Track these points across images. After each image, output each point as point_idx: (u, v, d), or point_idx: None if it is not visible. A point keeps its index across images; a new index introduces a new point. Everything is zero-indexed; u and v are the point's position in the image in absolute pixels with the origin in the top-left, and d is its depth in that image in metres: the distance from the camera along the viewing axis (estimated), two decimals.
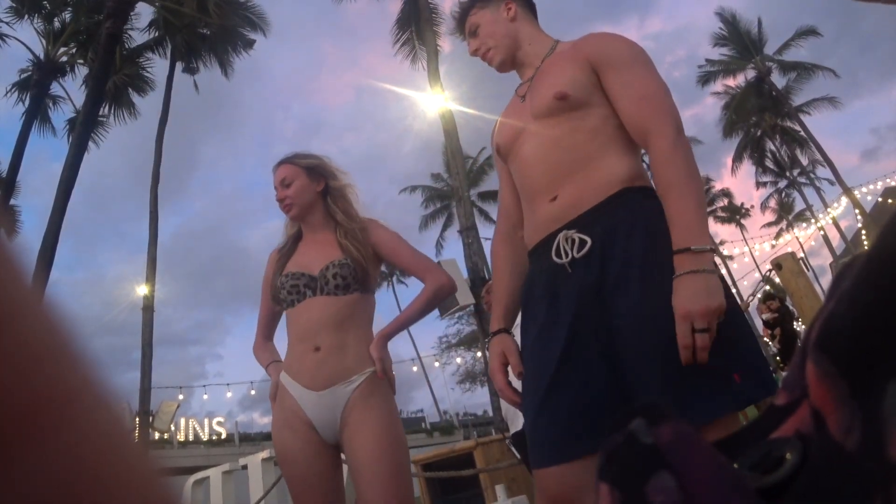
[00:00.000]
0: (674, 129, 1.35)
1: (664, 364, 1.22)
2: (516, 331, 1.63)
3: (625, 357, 1.27)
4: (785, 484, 0.25)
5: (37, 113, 15.71)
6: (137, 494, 0.16)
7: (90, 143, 14.73)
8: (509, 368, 1.55)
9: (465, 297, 8.85)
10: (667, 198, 1.31)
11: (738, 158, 31.56)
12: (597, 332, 1.31)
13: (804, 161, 30.88)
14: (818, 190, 31.47)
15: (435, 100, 12.68)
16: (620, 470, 0.26)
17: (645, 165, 1.50)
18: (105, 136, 16.86)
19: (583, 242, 1.35)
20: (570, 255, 1.36)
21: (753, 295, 5.60)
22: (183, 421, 20.73)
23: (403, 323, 1.97)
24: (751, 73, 28.75)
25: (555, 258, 1.39)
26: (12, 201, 17.81)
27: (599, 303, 1.31)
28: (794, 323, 7.04)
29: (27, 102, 15.67)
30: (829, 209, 25.80)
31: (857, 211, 22.44)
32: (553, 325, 1.38)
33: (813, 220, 27.24)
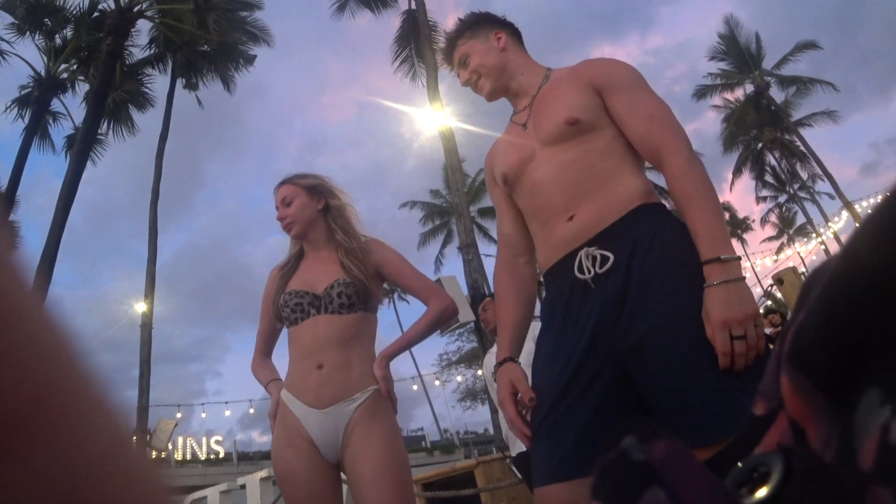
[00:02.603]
0: (685, 145, 1.39)
1: (699, 375, 1.23)
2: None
3: (645, 373, 1.28)
4: (773, 499, 0.25)
5: (37, 129, 15.76)
6: (136, 496, 0.16)
7: (89, 161, 14.76)
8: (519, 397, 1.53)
9: (465, 314, 8.83)
10: (688, 212, 1.33)
11: (737, 172, 31.66)
12: (611, 351, 1.32)
13: (804, 175, 30.97)
14: (818, 204, 31.54)
15: (435, 116, 12.72)
16: (613, 487, 0.26)
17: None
18: (104, 154, 16.89)
19: (605, 259, 1.36)
20: (592, 272, 1.37)
21: None
22: (181, 439, 20.63)
23: (406, 343, 1.96)
24: (749, 88, 28.91)
25: (577, 274, 1.40)
26: (12, 216, 17.82)
27: (619, 319, 1.32)
28: None
29: (27, 118, 15.73)
30: (830, 223, 25.84)
31: (857, 225, 22.43)
32: (566, 345, 1.39)
33: (814, 235, 27.27)
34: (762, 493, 0.25)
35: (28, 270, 0.16)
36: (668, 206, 1.50)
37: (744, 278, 1.26)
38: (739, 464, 0.27)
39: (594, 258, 1.38)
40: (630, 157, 1.47)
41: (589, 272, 1.38)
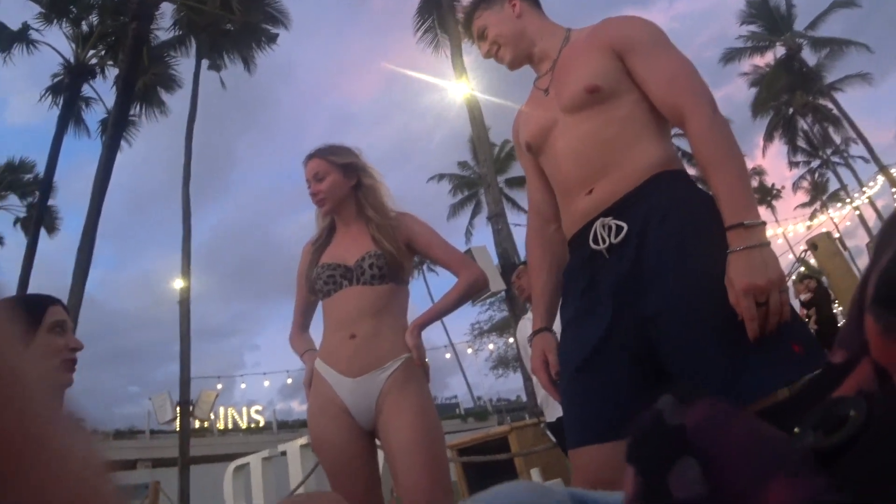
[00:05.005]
0: (709, 106, 1.34)
1: (719, 340, 1.22)
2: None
3: (666, 341, 1.28)
4: (850, 442, 0.24)
5: (70, 115, 16.07)
6: None
7: (124, 143, 15.05)
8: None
9: (496, 283, 8.87)
10: (711, 175, 1.30)
11: (768, 138, 30.93)
12: (632, 318, 1.32)
13: (837, 140, 30.15)
14: (852, 169, 30.71)
15: (460, 87, 12.66)
16: (646, 454, 0.25)
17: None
18: (137, 136, 17.20)
19: (619, 228, 1.36)
20: (607, 242, 1.37)
21: (788, 276, 5.53)
22: (222, 410, 21.31)
23: (437, 313, 2.00)
24: (780, 51, 28.08)
25: (592, 244, 1.40)
26: (51, 201, 18.29)
27: (636, 289, 1.32)
28: (832, 305, 6.91)
29: (60, 105, 16.03)
30: (864, 188, 25.14)
31: (893, 190, 21.85)
32: (590, 312, 1.40)
33: (848, 200, 26.59)
34: (839, 436, 0.24)
35: (4, 289, 0.17)
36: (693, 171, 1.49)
37: (768, 244, 1.23)
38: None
39: (609, 228, 1.38)
40: (653, 123, 1.44)
41: (604, 241, 1.38)
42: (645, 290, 1.31)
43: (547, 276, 1.63)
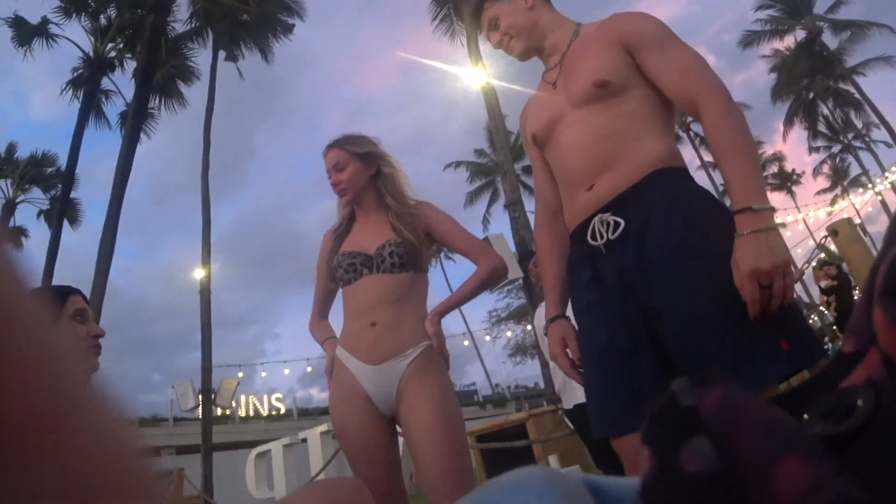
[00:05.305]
0: (723, 96, 1.37)
1: (721, 337, 1.25)
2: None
3: (670, 335, 1.31)
4: (859, 431, 0.24)
5: (90, 108, 16.24)
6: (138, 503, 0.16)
7: (143, 136, 15.22)
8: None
9: (513, 271, 8.88)
10: (723, 162, 1.33)
11: (788, 123, 30.46)
12: (641, 314, 1.35)
13: (858, 124, 29.62)
14: (874, 153, 30.16)
15: (476, 75, 12.62)
16: (659, 433, 0.26)
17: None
18: (157, 128, 17.36)
19: (617, 224, 1.39)
20: (605, 237, 1.40)
21: (808, 263, 5.49)
22: (243, 398, 21.63)
23: (456, 301, 2.01)
24: (800, 35, 27.59)
25: (590, 240, 1.43)
26: (73, 194, 18.57)
27: (642, 284, 1.34)
28: (853, 292, 6.84)
29: (80, 99, 16.23)
30: (886, 173, 24.71)
31: None
32: (600, 303, 1.43)
33: (869, 185, 26.14)
34: (848, 424, 0.24)
35: (31, 277, 0.16)
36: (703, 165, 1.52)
37: (776, 228, 1.25)
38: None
39: (607, 224, 1.40)
40: (659, 119, 1.46)
41: (602, 237, 1.41)
42: (648, 284, 1.34)
43: (558, 265, 1.65)
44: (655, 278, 1.32)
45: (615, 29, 1.52)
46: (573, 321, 1.59)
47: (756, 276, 1.21)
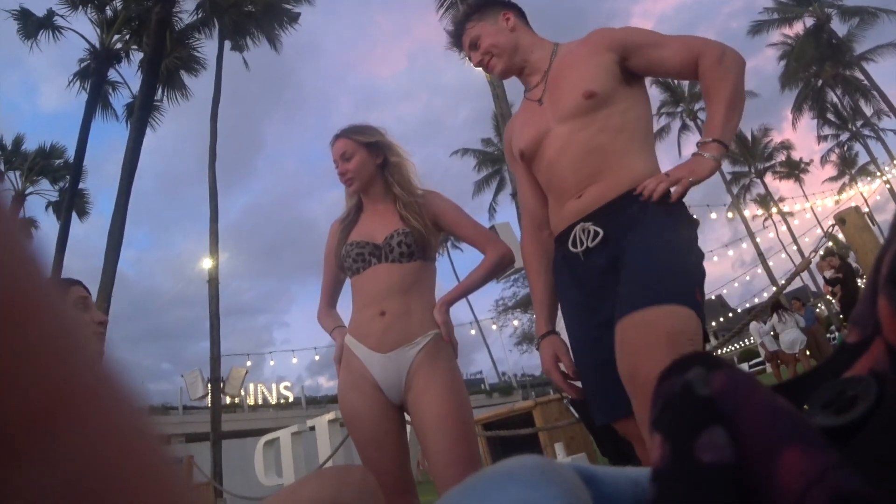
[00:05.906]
0: (719, 47, 1.50)
1: (636, 273, 1.39)
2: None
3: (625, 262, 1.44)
4: (860, 423, 0.24)
5: (97, 100, 16.25)
6: (154, 496, 0.16)
7: (152, 127, 15.25)
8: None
9: (520, 260, 8.87)
10: (707, 104, 1.49)
11: (797, 111, 30.23)
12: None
13: (867, 111, 29.35)
14: (883, 141, 29.91)
15: None
16: (673, 421, 0.26)
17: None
18: (163, 120, 17.36)
19: (596, 233, 1.49)
20: (584, 245, 1.50)
21: (816, 251, 5.47)
22: (252, 386, 21.79)
23: (464, 290, 2.02)
24: (809, 22, 27.32)
25: (570, 247, 1.52)
26: (81, 185, 18.66)
27: (614, 280, 1.44)
28: (858, 280, 6.82)
29: (87, 90, 16.26)
30: (895, 161, 24.53)
31: None
32: (585, 305, 1.52)
33: (878, 174, 25.96)
34: (851, 415, 0.24)
35: (44, 259, 0.15)
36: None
37: (716, 159, 1.43)
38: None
39: (588, 232, 1.50)
40: (639, 135, 1.55)
41: (581, 245, 1.50)
42: (619, 271, 1.44)
43: (545, 280, 1.70)
44: (623, 264, 1.44)
45: (604, 39, 1.60)
46: (563, 335, 1.66)
47: (669, 176, 1.42)
